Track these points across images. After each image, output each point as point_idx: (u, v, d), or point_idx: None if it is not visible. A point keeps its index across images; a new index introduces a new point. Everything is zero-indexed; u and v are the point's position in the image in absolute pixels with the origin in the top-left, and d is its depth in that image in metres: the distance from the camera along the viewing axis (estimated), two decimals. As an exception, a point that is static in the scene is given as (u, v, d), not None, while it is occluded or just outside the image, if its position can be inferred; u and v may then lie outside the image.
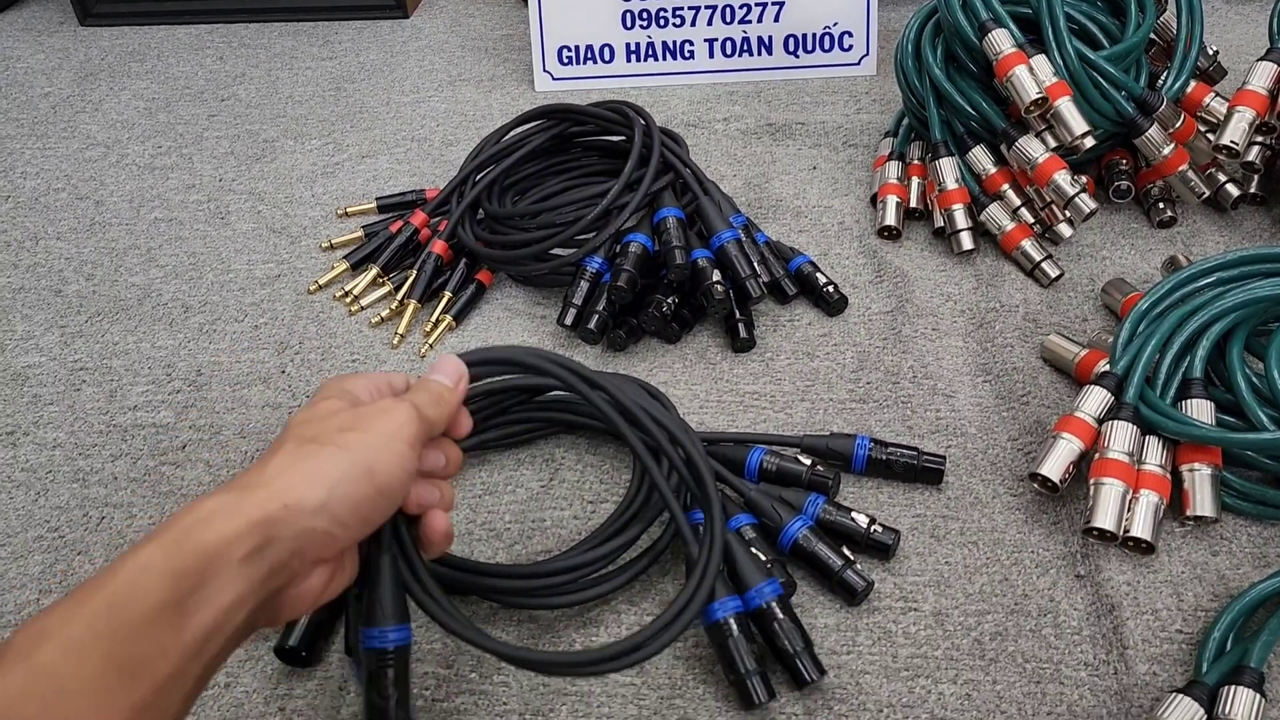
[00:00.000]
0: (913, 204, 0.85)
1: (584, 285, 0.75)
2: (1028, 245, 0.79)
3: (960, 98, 0.82)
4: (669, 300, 0.74)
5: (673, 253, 0.73)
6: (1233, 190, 0.83)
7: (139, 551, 0.38)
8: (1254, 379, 0.62)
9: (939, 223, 0.83)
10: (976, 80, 0.82)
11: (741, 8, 1.07)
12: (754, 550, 0.57)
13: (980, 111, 0.81)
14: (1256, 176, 0.83)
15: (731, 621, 0.53)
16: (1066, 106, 0.76)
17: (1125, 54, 0.80)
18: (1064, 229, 0.81)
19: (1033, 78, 0.76)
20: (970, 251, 0.81)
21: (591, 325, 0.73)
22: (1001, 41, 0.77)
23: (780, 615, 0.53)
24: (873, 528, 0.59)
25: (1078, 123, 0.76)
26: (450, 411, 0.50)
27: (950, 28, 0.82)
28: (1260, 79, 0.76)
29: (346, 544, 0.44)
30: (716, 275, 0.73)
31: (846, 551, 0.58)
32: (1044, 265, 0.79)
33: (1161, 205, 0.83)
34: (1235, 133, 0.76)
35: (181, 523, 0.39)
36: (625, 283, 0.73)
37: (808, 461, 0.63)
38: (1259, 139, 0.80)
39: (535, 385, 0.67)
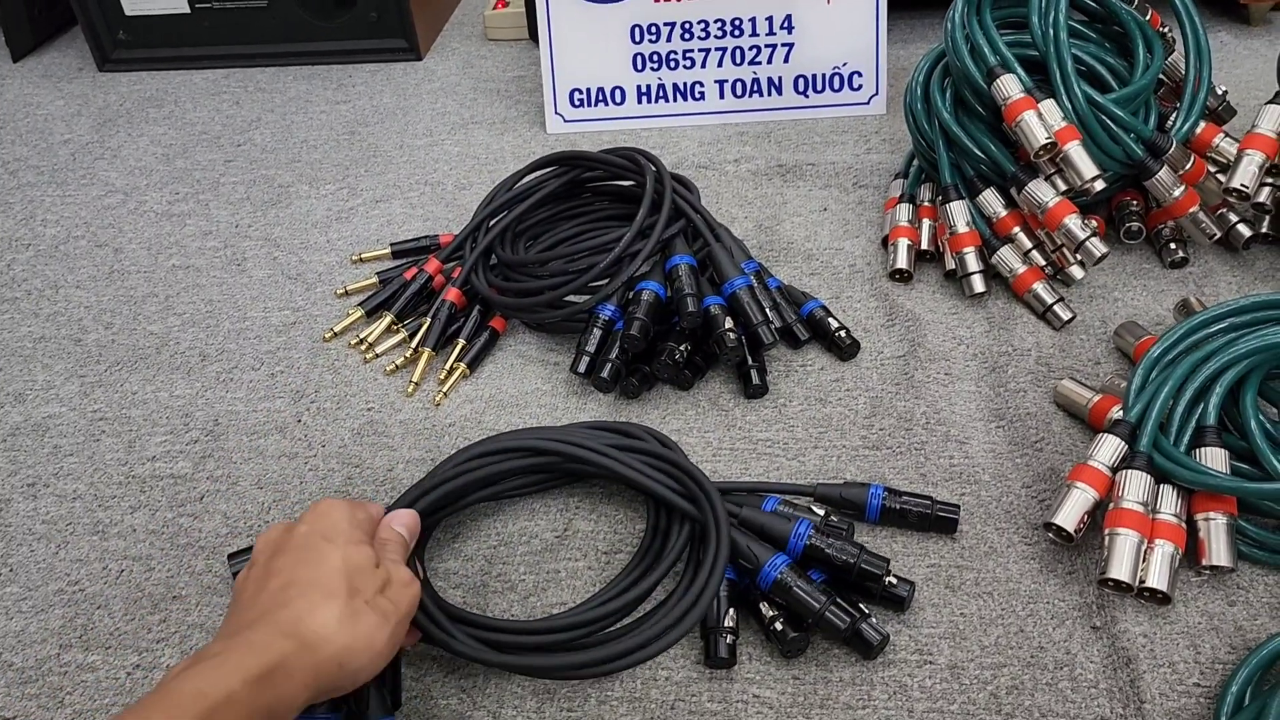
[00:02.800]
0: (924, 246, 0.86)
1: (597, 333, 0.75)
2: (1040, 288, 0.80)
3: (969, 141, 0.82)
4: (681, 348, 0.74)
5: (685, 300, 0.74)
6: (1244, 231, 0.83)
7: (227, 678, 0.43)
8: (1268, 425, 0.62)
9: (950, 265, 0.83)
10: (985, 123, 0.82)
11: (751, 49, 1.08)
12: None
13: (989, 155, 0.81)
14: (1268, 217, 0.83)
15: (788, 572, 0.57)
16: (1076, 150, 0.76)
17: (1134, 96, 0.80)
18: (1076, 271, 0.81)
19: (1041, 122, 0.77)
20: (982, 294, 0.81)
21: (605, 373, 0.74)
22: (1010, 87, 0.78)
23: (826, 542, 0.59)
24: (887, 579, 0.59)
25: (1087, 167, 0.76)
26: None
27: (959, 72, 0.82)
28: (1269, 122, 0.77)
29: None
30: (729, 323, 0.73)
31: (861, 604, 0.58)
32: (1056, 308, 0.79)
33: (1173, 246, 0.83)
34: (1245, 176, 0.76)
35: (263, 659, 0.44)
36: (638, 331, 0.73)
37: (821, 512, 0.63)
38: (1269, 180, 0.80)
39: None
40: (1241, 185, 0.76)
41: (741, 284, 0.75)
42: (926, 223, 0.87)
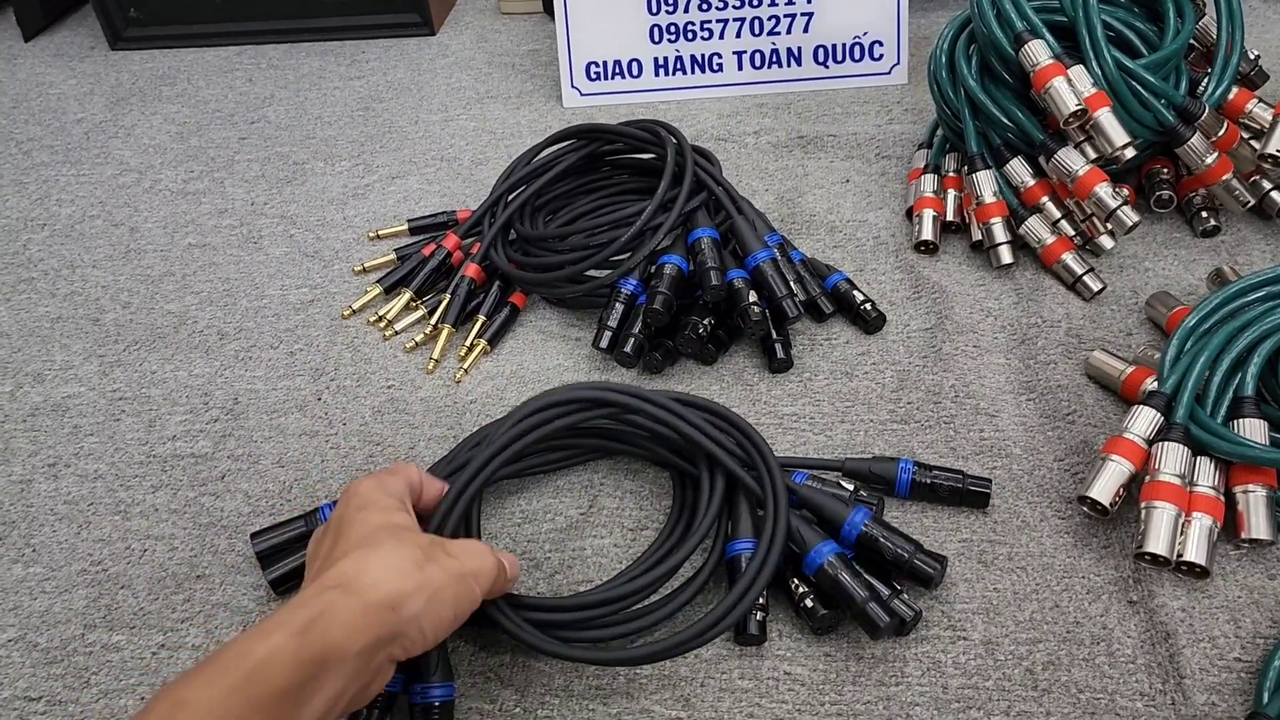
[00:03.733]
0: (950, 217, 0.84)
1: (619, 308, 0.74)
2: (1069, 259, 0.78)
3: (996, 109, 0.80)
4: (705, 322, 0.73)
5: (708, 274, 0.73)
6: (1278, 198, 0.81)
7: (270, 636, 0.42)
8: (1308, 396, 0.61)
9: (977, 236, 0.81)
10: (1012, 91, 0.81)
11: (770, 19, 1.07)
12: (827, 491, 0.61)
13: (1017, 123, 0.80)
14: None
15: (835, 561, 0.56)
16: (1106, 117, 0.75)
17: (1165, 61, 0.78)
18: (1105, 241, 0.80)
19: (1071, 89, 0.75)
20: (1009, 265, 0.80)
21: (628, 348, 0.73)
22: (1038, 53, 0.76)
23: (882, 533, 0.57)
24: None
25: (1118, 134, 0.75)
26: (506, 589, 0.54)
27: (985, 39, 0.80)
28: (1306, 86, 0.75)
29: (412, 655, 0.47)
30: (753, 296, 0.72)
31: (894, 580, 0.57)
32: (1086, 279, 0.77)
33: (1205, 214, 0.82)
34: (1280, 142, 0.74)
35: (305, 611, 0.43)
36: (661, 305, 0.72)
37: (850, 487, 0.62)
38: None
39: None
40: (1277, 151, 0.74)
41: (765, 257, 0.74)
42: (952, 193, 0.85)
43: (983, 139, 0.82)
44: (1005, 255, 0.80)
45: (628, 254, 0.76)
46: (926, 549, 0.57)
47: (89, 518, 0.69)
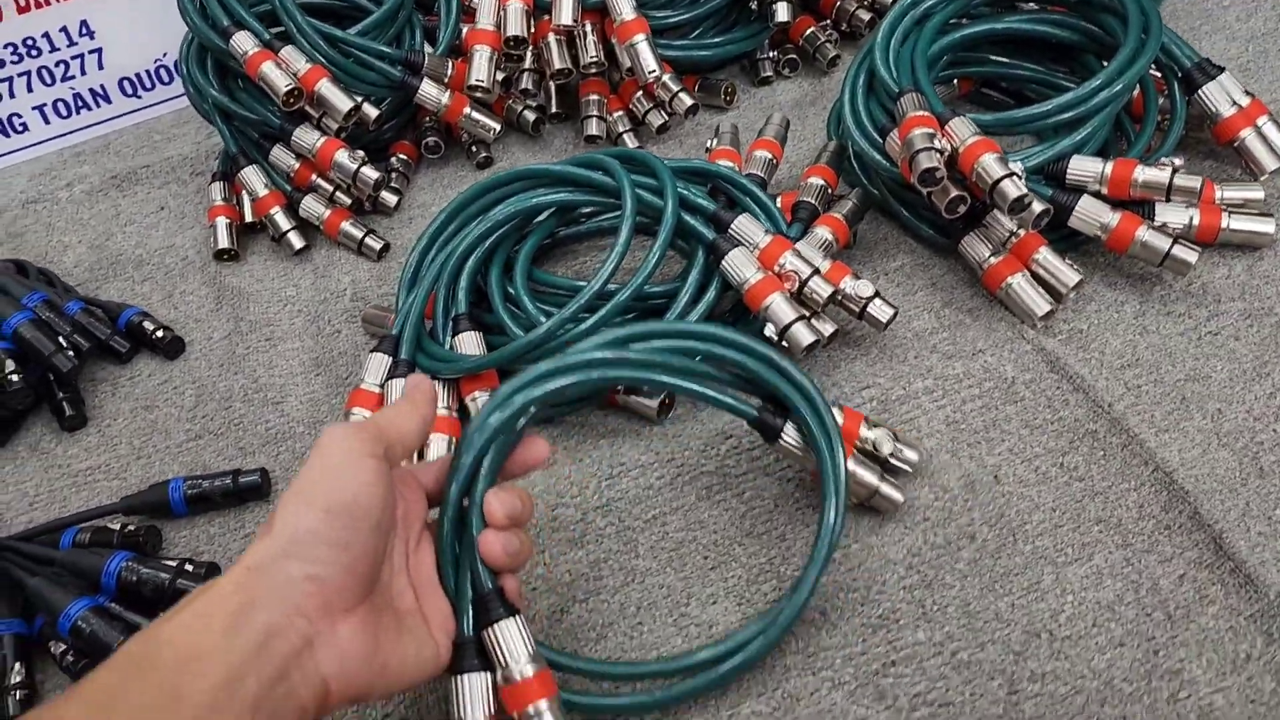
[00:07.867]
0: (249, 219, 0.85)
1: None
2: (347, 226, 0.81)
3: (238, 107, 0.81)
4: (-38, 412, 0.70)
5: (-49, 357, 0.69)
6: (530, 116, 0.88)
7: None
8: (514, 290, 0.67)
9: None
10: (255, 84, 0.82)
11: (58, 65, 1.01)
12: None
13: (258, 114, 0.81)
14: (553, 93, 0.89)
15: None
16: (327, 88, 0.78)
17: (379, 24, 0.83)
18: (389, 197, 0.84)
19: (281, 70, 0.77)
20: (304, 249, 0.82)
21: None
22: (244, 43, 0.78)
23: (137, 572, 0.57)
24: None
25: (341, 101, 0.78)
26: (410, 417, 0.48)
27: (201, 40, 0.81)
28: (487, 18, 0.81)
29: (342, 583, 0.42)
30: (11, 365, 0.69)
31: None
32: (368, 240, 0.80)
33: (474, 149, 0.87)
34: (480, 72, 0.80)
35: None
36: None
37: (116, 526, 0.62)
38: (526, 67, 0.85)
39: None
40: (478, 80, 0.80)
41: (21, 319, 0.71)
42: (247, 195, 0.85)
43: (243, 135, 0.83)
44: (295, 241, 0.81)
45: None
46: (187, 571, 0.58)
47: None
